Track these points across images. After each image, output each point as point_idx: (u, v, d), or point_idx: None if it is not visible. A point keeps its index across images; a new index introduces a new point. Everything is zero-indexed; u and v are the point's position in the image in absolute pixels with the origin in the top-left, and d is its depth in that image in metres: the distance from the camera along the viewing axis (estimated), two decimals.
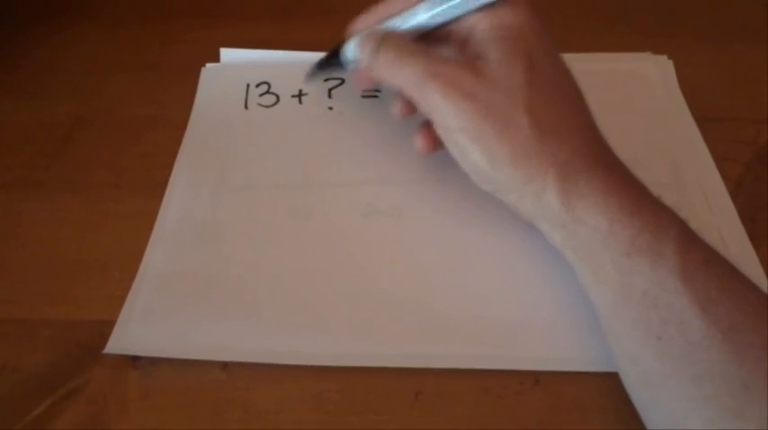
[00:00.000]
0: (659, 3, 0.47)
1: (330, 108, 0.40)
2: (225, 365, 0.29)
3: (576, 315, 0.30)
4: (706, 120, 0.38)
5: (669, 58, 0.42)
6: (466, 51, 0.32)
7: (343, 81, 0.41)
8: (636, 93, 0.40)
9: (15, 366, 0.30)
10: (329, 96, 0.41)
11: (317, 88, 0.41)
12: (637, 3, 0.48)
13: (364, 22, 0.35)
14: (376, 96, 0.40)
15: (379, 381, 0.29)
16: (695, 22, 0.46)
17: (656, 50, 0.42)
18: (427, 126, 0.33)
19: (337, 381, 0.29)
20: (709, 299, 0.25)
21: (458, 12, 0.31)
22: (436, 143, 0.33)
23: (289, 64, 0.42)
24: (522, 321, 0.30)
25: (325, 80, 0.41)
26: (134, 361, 0.30)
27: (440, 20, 0.32)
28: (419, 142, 0.34)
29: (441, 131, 0.31)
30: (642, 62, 0.42)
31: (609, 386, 0.28)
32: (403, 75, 0.31)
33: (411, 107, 0.34)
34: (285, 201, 0.35)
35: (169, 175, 0.37)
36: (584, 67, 0.41)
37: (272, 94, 0.41)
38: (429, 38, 0.33)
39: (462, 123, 0.29)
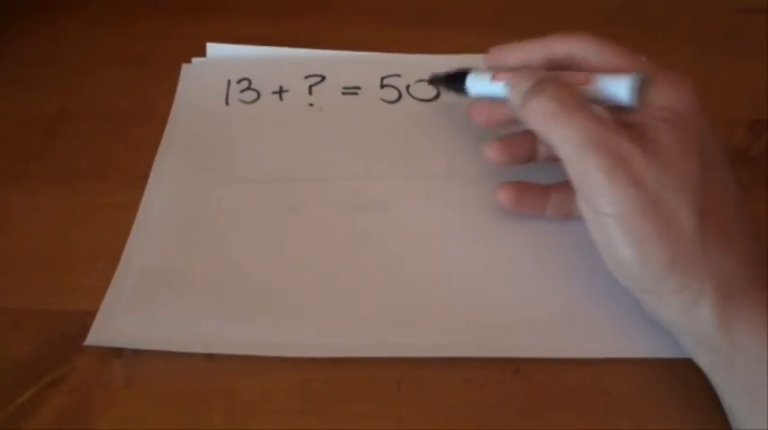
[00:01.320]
0: (634, 9, 0.48)
1: (311, 104, 0.40)
2: (209, 355, 0.30)
3: (557, 302, 0.31)
4: None
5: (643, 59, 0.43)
6: (639, 131, 0.27)
7: (323, 78, 0.41)
8: None
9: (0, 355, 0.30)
10: (310, 93, 0.41)
11: (297, 85, 0.41)
12: (616, 9, 0.48)
13: (513, 55, 0.32)
14: (356, 93, 0.41)
15: (363, 371, 0.29)
16: (673, 28, 0.47)
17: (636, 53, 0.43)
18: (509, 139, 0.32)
19: (321, 371, 0.29)
20: None
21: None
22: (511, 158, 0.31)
23: (269, 61, 0.43)
24: (502, 310, 0.31)
25: (306, 77, 0.42)
26: (117, 350, 0.30)
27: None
28: (494, 152, 0.32)
29: (584, 208, 0.27)
30: None
31: (588, 375, 0.29)
32: (561, 133, 0.26)
33: (498, 116, 0.32)
34: (269, 196, 0.36)
35: None
36: None
37: (253, 90, 0.41)
38: None
39: (619, 210, 0.25)
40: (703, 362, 0.27)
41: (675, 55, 0.44)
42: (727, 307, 0.25)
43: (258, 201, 0.35)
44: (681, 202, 0.25)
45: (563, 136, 0.26)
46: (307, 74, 0.42)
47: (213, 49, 0.43)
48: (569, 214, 0.32)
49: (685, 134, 0.26)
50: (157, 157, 0.38)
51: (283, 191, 0.36)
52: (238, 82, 0.42)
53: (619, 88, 0.27)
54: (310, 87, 0.41)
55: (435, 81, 0.38)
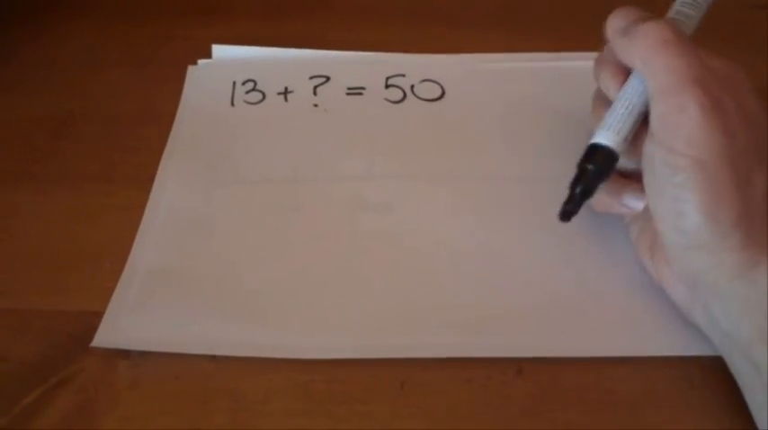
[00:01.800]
0: (646, 5, 0.48)
1: (315, 105, 0.40)
2: (213, 356, 0.30)
3: (560, 302, 0.31)
4: None
5: None
6: None
7: (328, 78, 0.42)
8: None
9: (6, 356, 0.30)
10: (314, 93, 0.41)
11: (302, 86, 0.41)
12: (622, 4, 0.48)
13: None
14: (361, 94, 0.41)
15: (365, 372, 0.29)
16: None
17: None
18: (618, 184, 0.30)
19: (324, 372, 0.29)
20: None
21: None
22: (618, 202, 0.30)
23: (274, 62, 0.43)
24: (505, 309, 0.31)
25: (311, 78, 0.42)
26: (123, 351, 0.30)
27: None
28: (602, 202, 0.30)
29: (656, 152, 0.26)
30: None
31: (591, 375, 0.29)
32: (668, 62, 0.26)
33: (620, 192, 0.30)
34: (274, 196, 0.36)
35: None
36: (567, 65, 0.42)
37: (258, 91, 0.41)
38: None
39: (704, 155, 0.25)
40: (747, 329, 0.25)
41: None
42: None
43: (263, 202, 0.35)
44: (758, 166, 0.25)
45: (669, 65, 0.26)
46: (311, 74, 0.42)
47: (219, 50, 0.44)
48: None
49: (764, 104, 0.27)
50: (163, 159, 0.38)
51: (288, 191, 0.36)
52: (243, 83, 0.42)
53: None
54: (315, 88, 0.41)
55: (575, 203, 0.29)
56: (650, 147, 0.27)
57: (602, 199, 0.30)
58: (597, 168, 0.28)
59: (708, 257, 0.26)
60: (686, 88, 0.25)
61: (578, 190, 0.28)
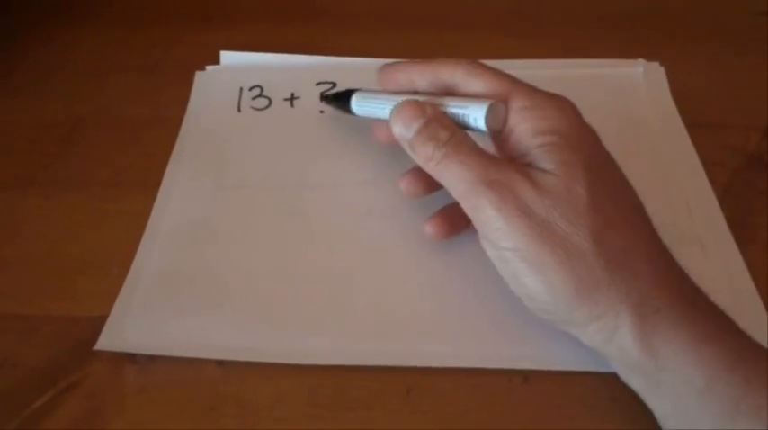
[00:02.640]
0: (653, 12, 0.48)
1: (321, 112, 0.41)
2: (220, 361, 0.30)
3: None
4: (696, 125, 0.39)
5: (661, 64, 0.42)
6: (506, 152, 0.28)
7: (334, 85, 0.42)
8: (627, 98, 0.41)
9: (15, 361, 0.31)
10: (321, 100, 0.41)
11: (308, 92, 0.42)
12: (631, 11, 0.48)
13: (402, 75, 0.32)
14: None
15: (372, 378, 0.29)
16: (688, 31, 0.46)
17: (650, 57, 0.43)
18: (445, 211, 0.32)
19: (330, 378, 0.29)
20: None
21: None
22: (450, 231, 0.32)
23: (281, 68, 0.43)
24: (512, 320, 0.30)
25: (317, 84, 0.42)
26: (131, 356, 0.30)
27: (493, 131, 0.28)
28: (432, 228, 0.32)
29: (486, 247, 0.27)
30: (634, 68, 0.42)
31: (596, 385, 0.29)
32: (451, 175, 0.27)
33: (424, 185, 0.32)
34: (279, 202, 0.36)
35: None
36: (577, 72, 0.42)
37: (265, 97, 0.42)
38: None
39: (515, 244, 0.25)
40: (636, 387, 0.26)
41: (692, 58, 0.44)
42: (645, 331, 0.24)
43: (269, 208, 0.36)
44: (573, 229, 0.25)
45: (453, 178, 0.27)
46: (318, 81, 0.42)
47: (227, 56, 0.44)
48: None
49: (571, 156, 0.26)
50: (170, 164, 0.38)
51: (294, 197, 0.36)
52: (250, 89, 0.42)
53: (476, 116, 0.28)
54: (321, 94, 0.41)
55: (326, 100, 0.39)
56: (480, 240, 0.28)
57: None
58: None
59: (574, 329, 0.27)
60: (474, 192, 0.26)
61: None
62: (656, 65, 0.43)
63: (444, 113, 0.29)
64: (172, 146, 0.39)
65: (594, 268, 0.25)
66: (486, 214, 0.26)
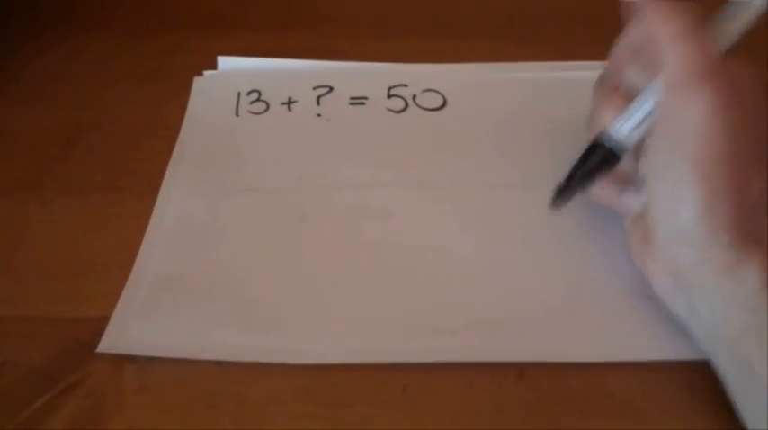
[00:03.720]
0: None
1: (318, 115, 0.41)
2: (219, 361, 0.30)
3: (561, 306, 0.31)
4: None
5: None
6: None
7: (331, 89, 0.42)
8: None
9: (16, 362, 0.31)
10: (318, 103, 0.42)
11: (305, 96, 0.42)
12: None
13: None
14: (363, 104, 0.42)
15: (369, 375, 0.29)
16: None
17: None
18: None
19: (327, 376, 0.30)
20: None
21: None
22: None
23: (278, 72, 0.44)
24: (506, 314, 0.31)
25: (314, 88, 0.42)
26: (131, 357, 0.31)
27: None
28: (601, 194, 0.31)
29: (661, 145, 0.26)
30: None
31: (593, 379, 0.29)
32: (678, 53, 0.25)
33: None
34: (278, 204, 0.36)
35: None
36: (570, 75, 0.43)
37: (263, 101, 0.42)
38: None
39: (705, 154, 0.24)
40: (729, 331, 0.25)
41: None
42: None
43: (267, 210, 0.36)
44: (756, 168, 0.25)
45: (686, 56, 0.25)
46: (315, 85, 0.42)
47: (224, 62, 0.44)
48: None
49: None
50: (169, 168, 0.38)
51: (292, 200, 0.36)
52: (248, 94, 0.43)
53: None
54: (318, 98, 0.42)
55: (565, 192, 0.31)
56: (652, 140, 0.27)
57: (601, 192, 0.31)
58: (596, 162, 0.29)
59: (697, 254, 0.26)
60: (698, 82, 0.25)
61: (572, 181, 0.29)
62: None
63: None
64: (170, 151, 0.40)
65: (757, 205, 0.25)
66: (697, 111, 0.24)
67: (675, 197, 0.26)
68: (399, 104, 0.41)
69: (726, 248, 0.25)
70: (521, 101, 0.41)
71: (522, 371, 0.29)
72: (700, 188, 0.25)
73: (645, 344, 0.30)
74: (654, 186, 0.27)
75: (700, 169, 0.25)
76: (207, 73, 0.44)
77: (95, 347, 0.31)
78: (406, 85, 0.42)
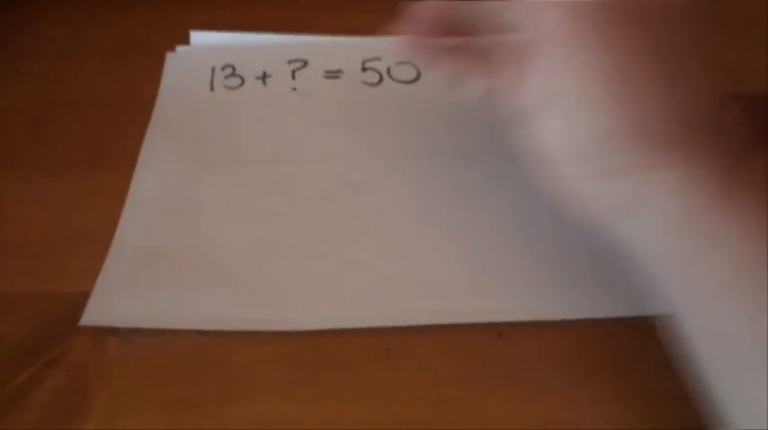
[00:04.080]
0: None
1: (294, 89, 0.41)
2: (201, 331, 0.30)
3: (536, 266, 0.32)
4: None
5: None
6: None
7: (306, 63, 0.42)
8: None
9: None
10: (293, 77, 0.42)
11: (280, 70, 0.42)
12: None
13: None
14: (338, 77, 0.42)
15: (351, 340, 0.30)
16: None
17: None
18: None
19: (310, 342, 0.30)
20: None
21: None
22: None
23: (252, 47, 0.44)
24: (485, 276, 0.32)
25: (289, 62, 0.42)
26: (113, 329, 0.31)
27: None
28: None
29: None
30: None
31: (569, 338, 0.30)
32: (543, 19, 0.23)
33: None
34: (255, 177, 0.36)
35: None
36: None
37: (237, 76, 0.42)
38: None
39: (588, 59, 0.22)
40: (660, 252, 0.23)
41: None
42: (727, 177, 0.21)
43: (244, 183, 0.36)
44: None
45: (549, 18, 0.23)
46: (289, 59, 0.42)
47: (197, 36, 0.44)
48: None
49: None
50: (145, 142, 0.38)
51: (269, 172, 0.37)
52: (222, 68, 0.42)
53: None
54: (293, 72, 0.42)
55: None
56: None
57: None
58: None
59: (614, 181, 0.23)
60: (553, 40, 0.23)
61: None
62: None
63: None
64: (144, 126, 0.39)
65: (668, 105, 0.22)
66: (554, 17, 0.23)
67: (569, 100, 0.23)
68: (374, 77, 0.42)
69: (643, 170, 0.22)
70: None
71: (500, 331, 0.30)
72: (589, 99, 0.23)
73: (619, 301, 0.31)
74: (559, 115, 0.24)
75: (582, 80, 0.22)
76: (180, 48, 0.44)
77: (76, 322, 0.31)
78: (380, 59, 0.43)
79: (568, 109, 0.23)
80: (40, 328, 0.31)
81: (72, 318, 0.31)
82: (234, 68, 0.42)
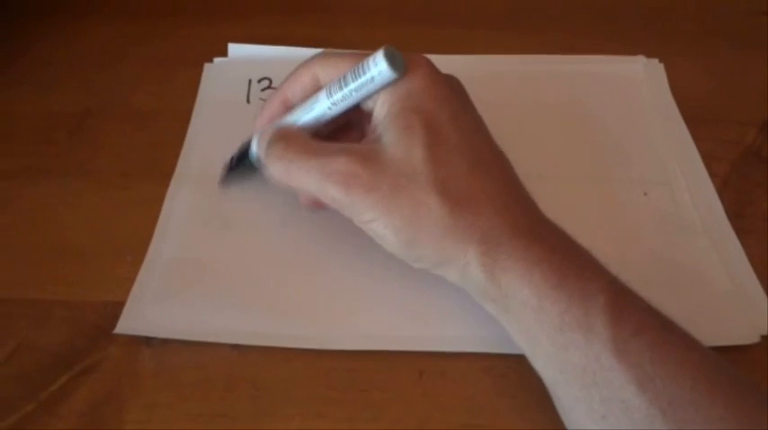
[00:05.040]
0: (653, 11, 0.49)
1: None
2: (235, 345, 0.31)
3: None
4: (695, 120, 0.40)
5: (661, 61, 0.44)
6: (368, 134, 0.30)
7: None
8: (628, 94, 0.42)
9: (31, 345, 0.31)
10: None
11: None
12: (631, 9, 0.49)
13: (269, 111, 0.33)
14: None
15: (385, 361, 0.30)
16: (687, 29, 0.48)
17: (649, 54, 0.44)
18: None
19: (345, 361, 0.30)
20: (645, 374, 0.24)
21: (360, 94, 0.29)
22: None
23: (289, 60, 0.43)
24: None
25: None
26: (146, 340, 0.31)
27: (344, 105, 0.30)
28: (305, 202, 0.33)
29: (356, 223, 0.29)
30: (634, 65, 0.44)
31: None
32: (298, 181, 0.29)
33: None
34: (290, 191, 0.36)
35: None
36: (578, 68, 0.43)
37: (274, 89, 0.42)
38: (336, 124, 0.32)
39: (372, 215, 0.28)
40: (491, 312, 0.29)
41: (691, 55, 0.45)
42: (489, 263, 0.27)
43: (280, 198, 0.36)
44: (417, 187, 0.27)
45: (300, 182, 0.29)
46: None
47: (235, 49, 0.44)
48: None
49: (408, 120, 0.28)
50: (182, 154, 0.38)
51: None
52: (259, 81, 0.43)
53: (377, 60, 0.28)
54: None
55: (232, 167, 0.36)
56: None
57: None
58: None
59: (437, 271, 0.29)
60: (322, 189, 0.28)
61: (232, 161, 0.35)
62: (655, 61, 0.44)
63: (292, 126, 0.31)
64: (180, 136, 0.40)
65: (441, 216, 0.27)
66: (341, 201, 0.28)
67: (383, 240, 0.29)
68: None
69: (447, 264, 0.28)
70: (534, 93, 0.42)
71: None
72: (386, 233, 0.28)
73: None
74: (369, 235, 0.29)
75: (379, 224, 0.28)
76: (217, 60, 0.44)
77: (110, 330, 0.31)
78: None
79: (377, 235, 0.29)
80: (74, 336, 0.31)
81: (107, 327, 0.31)
82: (270, 81, 0.42)
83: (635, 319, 0.25)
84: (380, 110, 0.29)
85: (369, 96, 0.29)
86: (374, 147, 0.29)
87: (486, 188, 0.28)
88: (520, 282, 0.26)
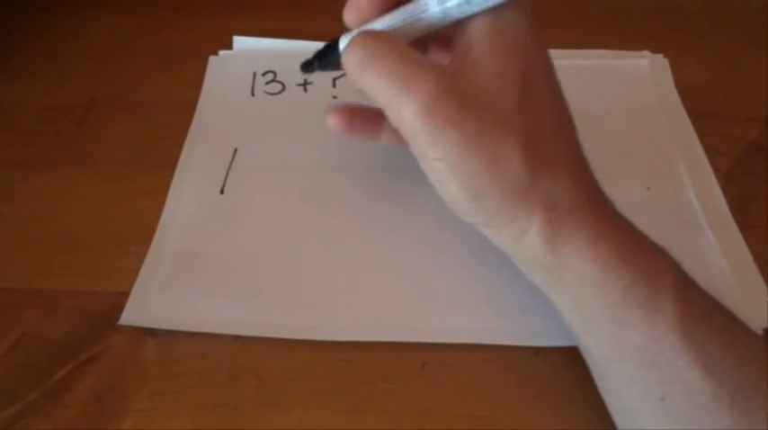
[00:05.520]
0: (659, 7, 0.49)
1: (334, 97, 0.41)
2: (238, 336, 0.31)
3: None
4: (699, 116, 0.40)
5: (665, 57, 0.44)
6: (460, 59, 0.27)
7: None
8: (632, 89, 0.42)
9: (36, 334, 0.31)
10: (333, 86, 0.42)
11: (321, 78, 0.42)
12: (636, 5, 0.49)
13: (366, 10, 0.29)
14: None
15: (388, 352, 0.30)
16: (692, 25, 0.48)
17: (654, 50, 0.44)
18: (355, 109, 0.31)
19: (348, 352, 0.30)
20: (713, 357, 0.23)
21: (471, 8, 0.26)
22: (357, 129, 0.30)
23: (294, 53, 0.43)
24: (522, 298, 0.31)
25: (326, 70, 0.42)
26: (151, 330, 0.31)
27: (456, 14, 0.26)
28: (334, 118, 0.31)
29: (415, 154, 0.27)
30: (639, 60, 0.43)
31: None
32: (373, 82, 0.26)
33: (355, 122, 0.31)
34: (296, 184, 0.37)
35: None
36: (584, 63, 0.43)
37: (278, 82, 0.42)
38: (427, 39, 0.29)
39: (442, 153, 0.25)
40: (538, 283, 0.27)
41: (695, 51, 0.45)
42: (553, 231, 0.25)
43: (283, 189, 0.36)
44: (502, 136, 0.25)
45: (374, 86, 0.26)
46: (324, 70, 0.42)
47: (240, 42, 0.45)
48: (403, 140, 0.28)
49: (509, 60, 0.26)
50: (186, 145, 0.39)
51: (308, 179, 0.37)
52: (264, 74, 0.43)
53: None
54: (334, 80, 0.42)
55: (308, 65, 0.33)
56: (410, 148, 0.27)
57: (364, 125, 0.32)
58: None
59: (489, 230, 0.27)
60: (396, 101, 0.25)
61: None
62: (660, 57, 0.44)
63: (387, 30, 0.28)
64: (185, 128, 0.40)
65: (519, 175, 0.25)
66: (410, 125, 0.25)
67: (443, 184, 0.26)
68: None
69: (507, 224, 0.26)
70: None
71: (537, 349, 0.30)
72: (455, 181, 0.26)
73: None
74: (426, 173, 0.27)
75: (446, 170, 0.25)
76: (222, 53, 0.44)
77: (115, 321, 0.31)
78: None
79: (439, 177, 0.26)
80: (79, 326, 0.32)
81: (111, 317, 0.31)
82: (275, 74, 0.43)
83: (701, 302, 0.25)
84: (483, 35, 0.26)
85: (473, 15, 0.26)
86: (468, 73, 0.25)
87: (565, 153, 0.26)
88: (585, 255, 0.25)
